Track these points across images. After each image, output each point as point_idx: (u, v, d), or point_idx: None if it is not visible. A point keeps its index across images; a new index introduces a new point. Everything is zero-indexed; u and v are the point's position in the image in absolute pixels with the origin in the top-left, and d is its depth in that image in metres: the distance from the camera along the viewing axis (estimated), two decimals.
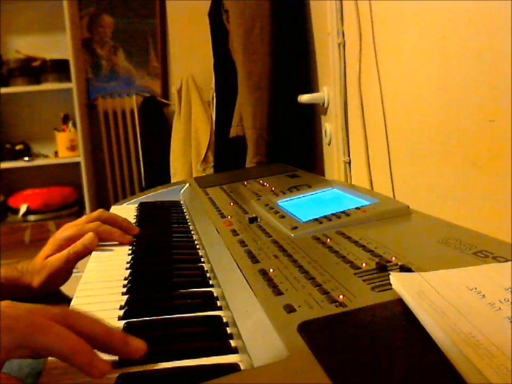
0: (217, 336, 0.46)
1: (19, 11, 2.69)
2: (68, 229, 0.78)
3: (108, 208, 1.07)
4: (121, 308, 0.53)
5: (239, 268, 0.55)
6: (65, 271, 0.77)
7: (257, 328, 0.43)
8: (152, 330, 0.49)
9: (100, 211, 0.83)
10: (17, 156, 2.68)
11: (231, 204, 0.85)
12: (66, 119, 2.69)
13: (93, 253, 0.76)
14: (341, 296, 0.42)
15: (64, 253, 0.76)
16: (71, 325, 0.38)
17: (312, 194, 0.83)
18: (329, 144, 1.31)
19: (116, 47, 2.87)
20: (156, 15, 2.84)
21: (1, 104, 2.67)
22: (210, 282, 0.60)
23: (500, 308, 0.36)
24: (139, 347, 0.40)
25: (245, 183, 1.02)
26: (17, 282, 0.76)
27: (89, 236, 0.76)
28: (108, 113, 2.84)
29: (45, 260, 0.77)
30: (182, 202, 1.08)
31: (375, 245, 0.54)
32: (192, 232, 0.83)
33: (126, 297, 0.56)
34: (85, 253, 0.77)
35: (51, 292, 0.79)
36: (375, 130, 1.06)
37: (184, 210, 1.00)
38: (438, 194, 0.85)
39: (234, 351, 0.43)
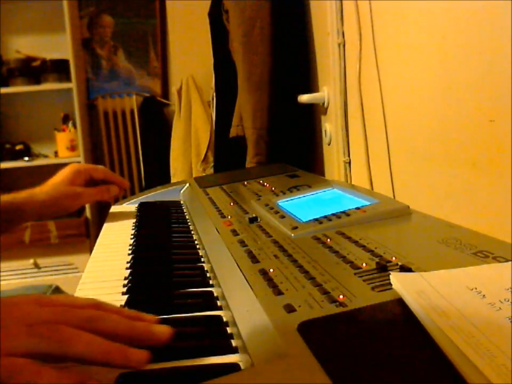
0: (217, 336, 0.46)
1: (19, 11, 2.69)
2: (83, 164, 0.91)
3: (107, 208, 1.07)
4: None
5: (239, 267, 0.55)
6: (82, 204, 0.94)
7: (257, 328, 0.43)
8: None
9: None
10: (17, 155, 2.67)
11: (231, 204, 0.85)
12: (66, 119, 2.69)
13: (93, 252, 0.76)
14: (341, 296, 0.42)
15: (101, 196, 0.95)
16: (99, 329, 0.38)
17: (312, 194, 0.83)
18: (329, 144, 1.31)
19: (116, 47, 2.86)
20: (156, 15, 2.83)
21: (1, 104, 2.67)
22: (210, 282, 0.60)
23: (500, 308, 0.36)
24: (164, 332, 0.41)
25: (245, 183, 1.02)
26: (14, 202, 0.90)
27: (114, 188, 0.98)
28: (108, 113, 2.83)
29: (78, 189, 0.91)
30: (182, 202, 1.08)
31: (375, 245, 0.54)
32: (192, 232, 0.83)
33: (126, 297, 0.56)
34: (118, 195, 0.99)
35: (51, 211, 0.90)
36: (375, 130, 1.06)
37: (184, 210, 1.00)
38: (438, 194, 0.85)
39: (234, 351, 0.43)
